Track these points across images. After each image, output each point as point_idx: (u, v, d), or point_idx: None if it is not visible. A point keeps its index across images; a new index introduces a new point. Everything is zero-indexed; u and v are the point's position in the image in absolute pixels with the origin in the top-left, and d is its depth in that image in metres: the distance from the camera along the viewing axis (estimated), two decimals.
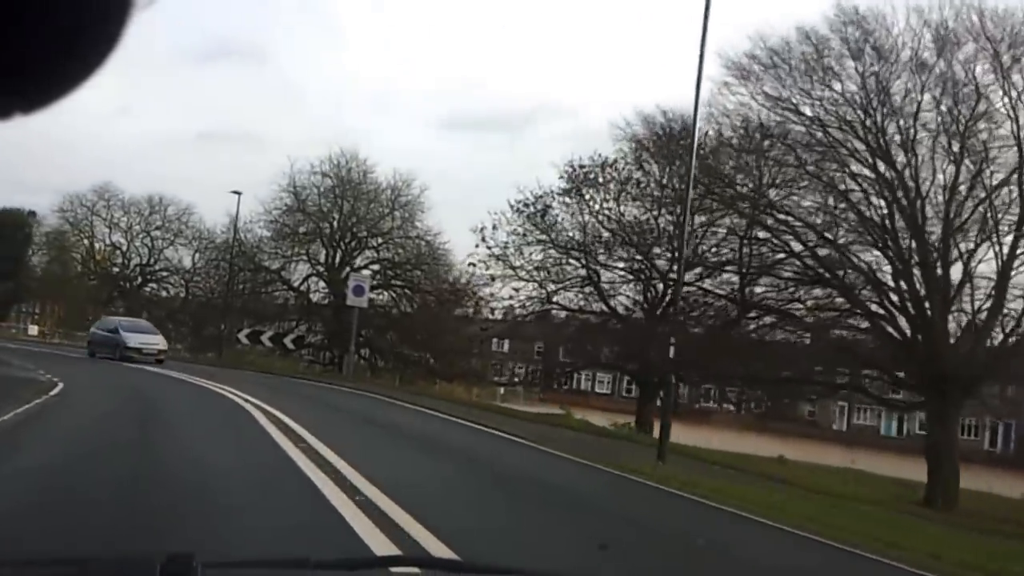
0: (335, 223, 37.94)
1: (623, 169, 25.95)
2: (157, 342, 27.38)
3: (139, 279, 49.77)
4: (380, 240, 37.98)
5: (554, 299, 28.60)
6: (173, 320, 49.29)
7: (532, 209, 26.93)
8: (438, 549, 5.27)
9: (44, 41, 0.65)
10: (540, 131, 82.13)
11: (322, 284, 39.06)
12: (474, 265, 28.90)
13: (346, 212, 37.92)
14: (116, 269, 49.53)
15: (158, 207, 48.87)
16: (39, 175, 79.85)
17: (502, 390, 47.38)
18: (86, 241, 48.92)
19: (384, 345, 38.90)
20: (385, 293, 38.36)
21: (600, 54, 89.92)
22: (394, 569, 2.12)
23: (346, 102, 79.85)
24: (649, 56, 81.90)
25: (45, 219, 50.64)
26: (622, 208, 27.22)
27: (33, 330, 55.81)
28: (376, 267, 38.58)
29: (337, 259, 38.38)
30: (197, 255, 48.10)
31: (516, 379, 46.47)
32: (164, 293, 50.08)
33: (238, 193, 33.07)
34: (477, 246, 28.28)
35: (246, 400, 14.59)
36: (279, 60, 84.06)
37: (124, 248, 49.25)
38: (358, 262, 38.75)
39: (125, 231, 49.00)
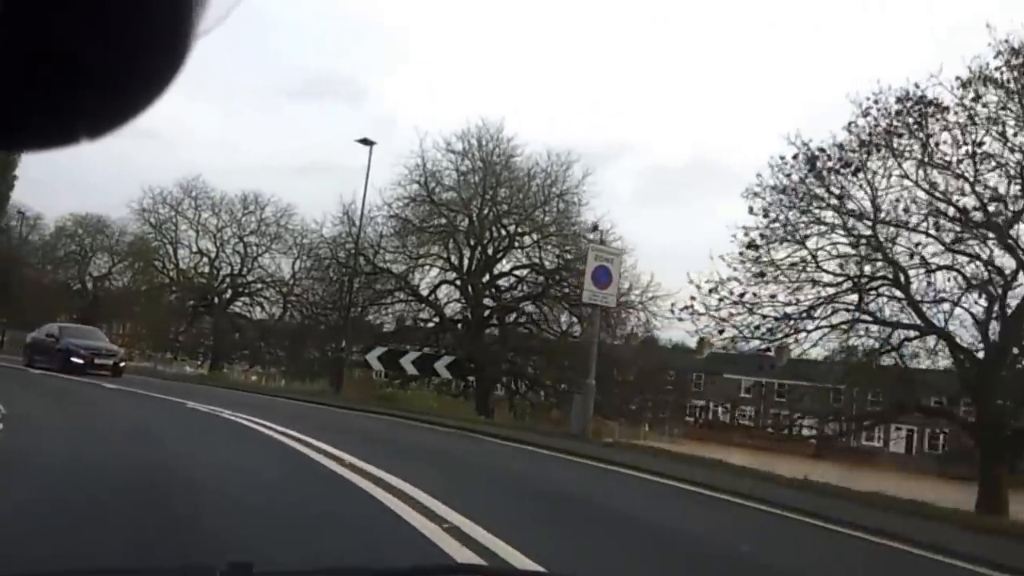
0: (475, 215, 29.39)
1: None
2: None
3: (228, 292, 42.16)
4: (536, 237, 29.23)
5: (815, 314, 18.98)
6: (266, 339, 41.53)
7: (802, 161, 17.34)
8: None
9: (108, 67, 0.65)
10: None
11: (455, 294, 30.55)
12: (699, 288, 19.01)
13: (488, 201, 29.37)
14: (203, 280, 42.03)
15: (253, 207, 41.35)
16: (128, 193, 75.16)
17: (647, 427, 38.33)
18: (169, 247, 41.61)
19: (530, 372, 30.11)
20: (531, 307, 29.59)
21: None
22: None
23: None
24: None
25: (127, 225, 43.71)
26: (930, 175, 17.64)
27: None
28: (524, 272, 29.91)
29: (474, 262, 29.85)
30: (298, 263, 40.29)
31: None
32: (259, 309, 42.31)
33: (369, 143, 24.10)
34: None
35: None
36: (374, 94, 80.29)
37: (213, 255, 41.76)
38: (503, 266, 30.14)
39: (214, 234, 41.52)
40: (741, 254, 18.05)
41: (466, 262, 29.68)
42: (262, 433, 10.52)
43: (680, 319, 18.83)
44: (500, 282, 30.38)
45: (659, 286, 27.25)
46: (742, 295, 17.86)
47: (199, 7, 0.64)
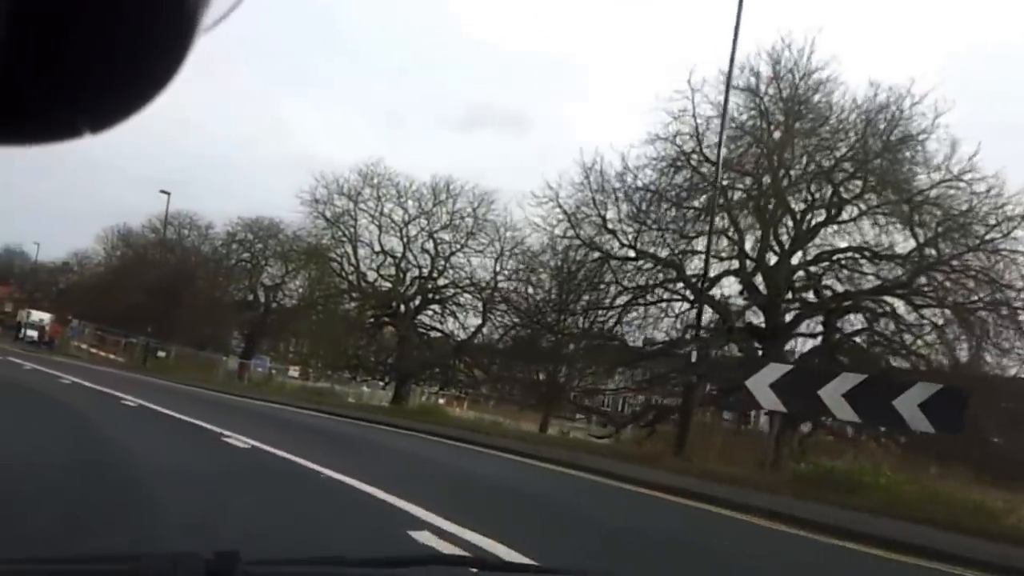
0: (781, 164, 20.34)
1: None
2: None
3: (417, 299, 34.91)
4: (868, 204, 19.82)
5: None
6: (460, 356, 34.01)
7: None
8: None
9: (109, 60, 0.65)
10: None
11: (733, 285, 21.51)
12: None
13: (799, 156, 20.30)
14: (387, 284, 34.97)
15: (444, 196, 33.94)
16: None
17: None
18: (348, 246, 34.84)
19: None
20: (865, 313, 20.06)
21: None
22: (436, 567, 1.93)
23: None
24: None
25: (298, 221, 37.48)
26: None
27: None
28: (846, 257, 20.52)
29: (768, 246, 20.77)
30: (501, 261, 32.51)
31: None
32: (452, 320, 34.74)
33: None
34: None
35: None
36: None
37: (399, 255, 34.61)
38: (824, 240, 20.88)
39: (400, 228, 34.38)
40: None
41: (766, 237, 20.61)
42: None
43: None
44: (800, 272, 21.14)
45: None
46: None
47: (202, 2, 0.63)
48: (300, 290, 40.91)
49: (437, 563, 2.15)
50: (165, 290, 44.56)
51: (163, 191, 45.58)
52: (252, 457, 9.81)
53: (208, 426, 12.61)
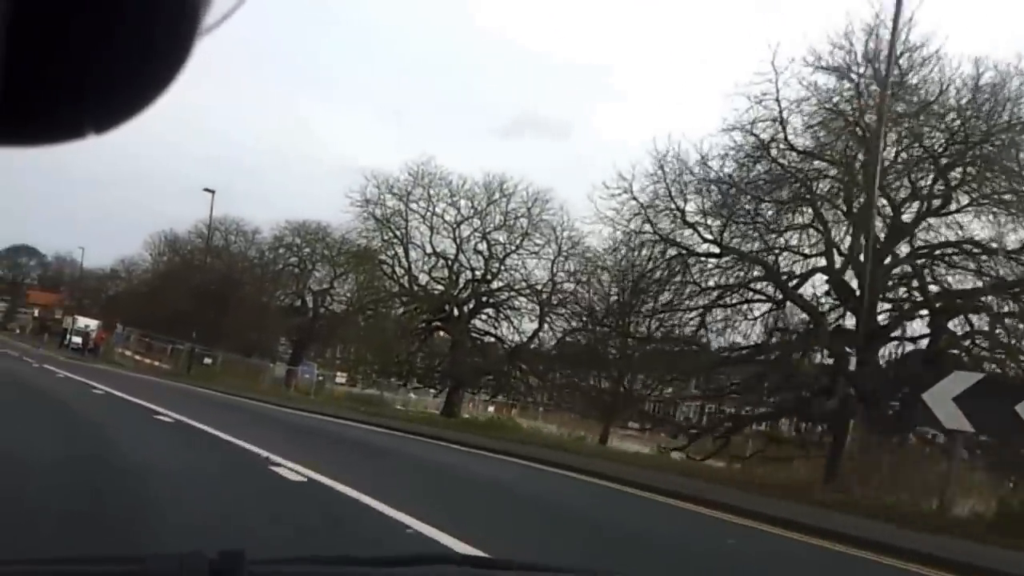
0: (877, 151, 18.43)
1: None
2: None
3: (471, 302, 33.39)
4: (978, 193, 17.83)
5: None
6: (514, 362, 32.41)
7: None
8: None
9: (110, 60, 0.65)
10: None
11: (819, 286, 19.61)
12: None
13: (900, 133, 18.36)
14: (439, 288, 33.50)
15: (498, 196, 32.41)
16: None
17: None
18: (399, 248, 33.45)
19: None
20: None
21: None
22: (444, 566, 1.86)
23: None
24: None
25: (349, 231, 36.14)
26: None
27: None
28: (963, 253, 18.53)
29: (860, 241, 18.85)
30: (558, 262, 30.90)
31: None
32: (506, 324, 33.16)
33: None
34: None
35: None
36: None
37: (451, 257, 33.14)
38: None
39: (452, 228, 32.90)
40: None
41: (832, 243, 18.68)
42: None
43: None
44: (899, 269, 19.18)
45: None
46: None
47: (204, 2, 0.63)
48: (349, 294, 39.69)
49: (445, 562, 2.01)
50: (212, 296, 43.67)
51: (207, 189, 43.00)
52: (312, 499, 7.60)
53: (254, 448, 10.67)
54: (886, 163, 19.19)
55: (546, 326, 31.28)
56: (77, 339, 51.86)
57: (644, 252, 19.96)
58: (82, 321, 55.14)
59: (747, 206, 20.15)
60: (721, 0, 71.78)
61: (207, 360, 43.39)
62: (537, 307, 31.48)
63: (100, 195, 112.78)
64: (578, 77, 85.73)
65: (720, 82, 45.66)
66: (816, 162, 20.28)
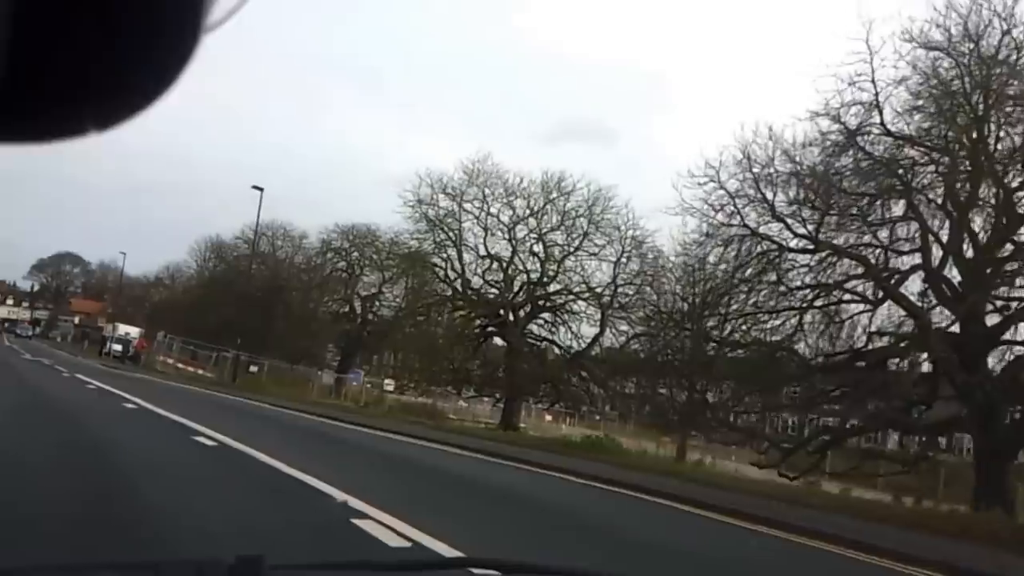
0: (982, 137, 16.75)
1: None
2: None
3: (527, 306, 32.00)
4: None
5: None
6: (573, 370, 30.95)
7: None
8: None
9: (112, 60, 0.66)
10: None
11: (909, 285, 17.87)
12: None
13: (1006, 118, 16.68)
14: (494, 291, 32.18)
15: (555, 195, 31.01)
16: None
17: None
18: (452, 251, 32.19)
19: None
20: None
21: None
22: (458, 570, 1.96)
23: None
24: None
25: (399, 233, 34.93)
26: None
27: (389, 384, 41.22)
28: None
29: (965, 237, 17.13)
30: (620, 264, 29.44)
31: None
32: (564, 330, 31.70)
33: None
34: None
35: None
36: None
37: (506, 260, 31.78)
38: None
39: (507, 229, 31.58)
40: None
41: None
42: None
43: None
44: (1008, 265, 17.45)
45: None
46: None
47: (207, 2, 0.64)
48: (398, 299, 38.51)
49: (464, 566, 2.07)
50: (258, 302, 42.76)
51: (256, 187, 40.23)
52: None
53: (322, 486, 8.22)
54: (996, 149, 17.58)
55: (607, 331, 29.84)
56: (117, 346, 51.27)
57: (731, 249, 18.39)
58: (123, 328, 54.66)
59: (840, 200, 18.58)
60: None
61: (253, 368, 42.42)
62: (597, 311, 30.03)
63: (146, 202, 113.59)
64: (624, 79, 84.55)
65: (791, 70, 43.50)
66: (909, 150, 18.68)
